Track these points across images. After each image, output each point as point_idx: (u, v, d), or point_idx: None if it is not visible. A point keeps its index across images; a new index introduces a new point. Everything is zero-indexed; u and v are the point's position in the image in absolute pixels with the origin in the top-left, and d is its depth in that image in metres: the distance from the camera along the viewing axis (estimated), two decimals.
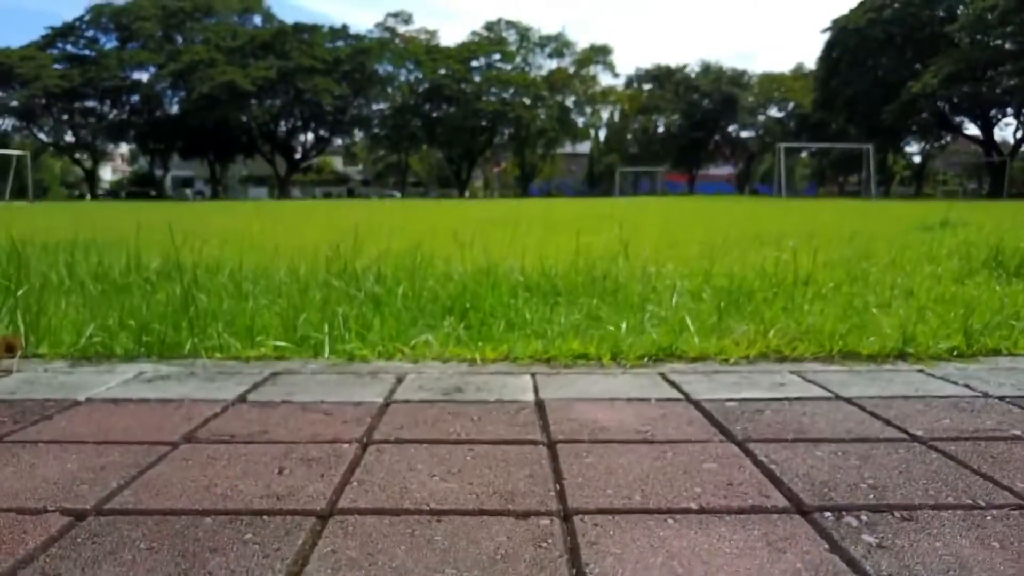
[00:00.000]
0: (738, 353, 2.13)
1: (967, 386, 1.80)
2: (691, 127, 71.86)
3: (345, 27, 67.17)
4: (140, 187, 73.06)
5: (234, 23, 69.60)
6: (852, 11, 54.82)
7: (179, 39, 68.32)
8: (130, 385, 1.83)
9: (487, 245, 6.63)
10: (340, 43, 66.71)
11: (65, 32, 67.31)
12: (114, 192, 76.95)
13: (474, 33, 70.99)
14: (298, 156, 74.34)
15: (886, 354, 2.14)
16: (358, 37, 67.46)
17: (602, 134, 77.57)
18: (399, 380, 1.89)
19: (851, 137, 56.28)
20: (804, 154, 73.16)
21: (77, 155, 72.32)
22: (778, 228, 8.39)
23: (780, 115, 73.18)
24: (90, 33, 67.84)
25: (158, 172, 75.56)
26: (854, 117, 56.70)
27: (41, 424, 1.50)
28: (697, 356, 2.13)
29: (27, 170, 42.97)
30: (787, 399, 1.68)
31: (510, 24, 71.00)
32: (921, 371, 1.98)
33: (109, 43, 67.88)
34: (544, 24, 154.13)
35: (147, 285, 3.74)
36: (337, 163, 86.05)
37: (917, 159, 72.15)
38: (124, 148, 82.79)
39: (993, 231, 7.11)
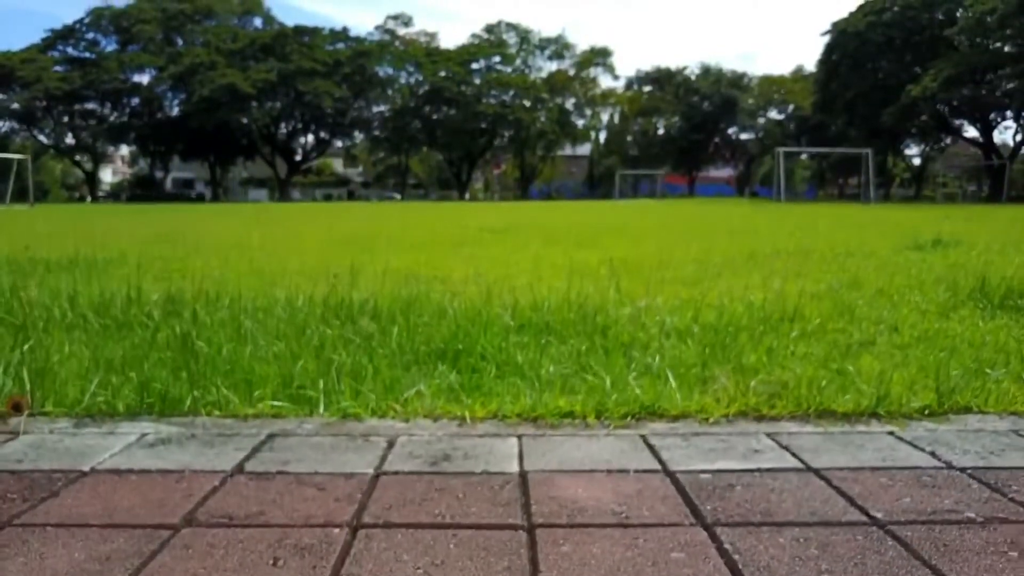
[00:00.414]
0: (718, 412, 2.22)
1: (933, 454, 1.88)
2: (691, 129, 72.00)
3: (345, 29, 67.50)
4: (141, 189, 73.15)
5: (234, 25, 69.74)
6: (852, 14, 54.92)
7: (179, 41, 68.47)
8: (133, 451, 1.91)
9: (482, 265, 6.71)
10: (340, 45, 66.87)
11: (65, 35, 67.47)
12: (115, 194, 77.03)
13: (474, 35, 71.27)
14: (298, 158, 74.48)
15: (860, 412, 2.22)
16: (358, 39, 67.62)
17: (602, 136, 77.65)
18: (390, 444, 1.97)
19: (851, 139, 56.40)
20: (804, 156, 73.23)
21: (77, 157, 72.45)
22: (773, 245, 8.46)
23: (780, 117, 73.32)
24: (90, 35, 68.02)
25: (158, 174, 75.73)
26: (854, 120, 56.79)
27: (49, 502, 1.58)
28: (679, 414, 2.22)
29: (28, 172, 43.08)
30: (759, 471, 1.76)
31: (510, 26, 71.19)
32: (892, 433, 2.06)
33: (109, 46, 68.10)
34: (544, 26, 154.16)
35: (148, 321, 3.80)
36: (337, 165, 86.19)
37: (917, 161, 72.27)
38: (124, 150, 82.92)
39: (984, 250, 7.20)
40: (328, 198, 75.21)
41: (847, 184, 74.68)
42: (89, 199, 71.25)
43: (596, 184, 76.73)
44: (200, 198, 72.89)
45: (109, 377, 2.52)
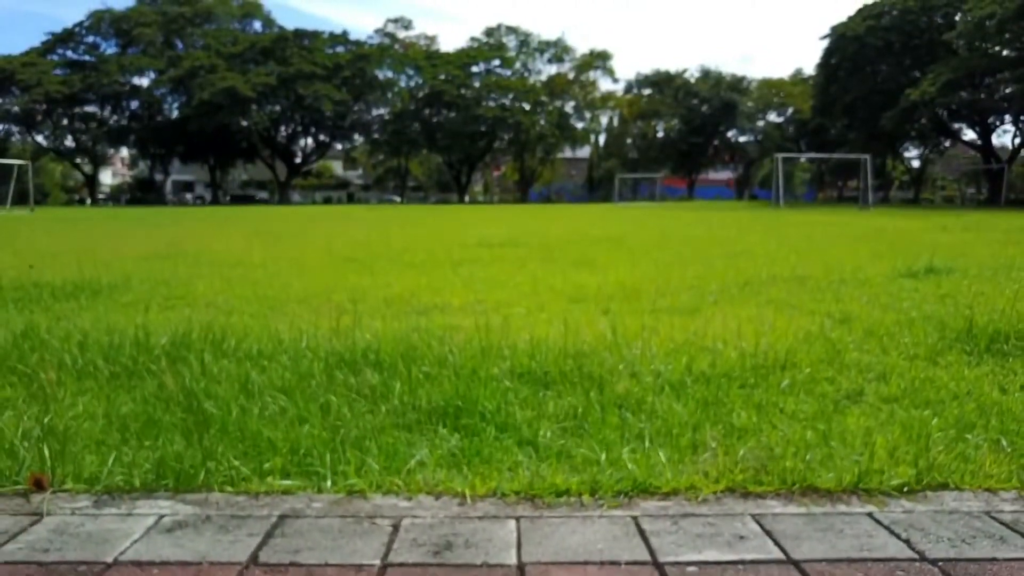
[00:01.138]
0: (707, 489, 2.33)
1: (908, 542, 1.99)
2: (690, 132, 72.21)
3: (345, 33, 67.72)
4: (141, 192, 73.29)
5: (234, 29, 69.87)
6: (851, 18, 55.13)
7: (180, 45, 68.62)
8: (152, 538, 2.02)
9: (481, 289, 6.80)
10: (340, 49, 66.98)
11: (65, 38, 67.68)
12: (114, 197, 77.11)
13: (474, 39, 71.49)
14: (298, 161, 74.62)
15: (842, 489, 2.33)
16: (358, 43, 67.77)
17: (601, 139, 77.80)
18: (395, 528, 2.09)
19: (850, 142, 56.57)
20: (803, 159, 73.36)
21: (77, 160, 72.57)
22: (769, 268, 8.56)
23: (779, 120, 73.49)
24: (90, 39, 68.27)
25: (158, 177, 75.87)
26: (853, 123, 56.98)
27: None
28: (670, 491, 2.33)
29: (28, 176, 43.23)
30: (743, 563, 1.87)
31: (510, 30, 71.37)
32: (871, 515, 2.17)
33: (109, 49, 68.40)
34: (544, 29, 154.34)
35: (155, 367, 3.90)
36: (337, 167, 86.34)
37: (916, 163, 72.46)
38: (124, 152, 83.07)
39: (976, 277, 7.30)
40: (328, 201, 75.37)
41: (846, 186, 74.90)
42: (89, 201, 71.43)
43: (596, 187, 76.91)
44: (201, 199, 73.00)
45: (125, 449, 2.62)
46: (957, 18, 51.02)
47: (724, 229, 17.74)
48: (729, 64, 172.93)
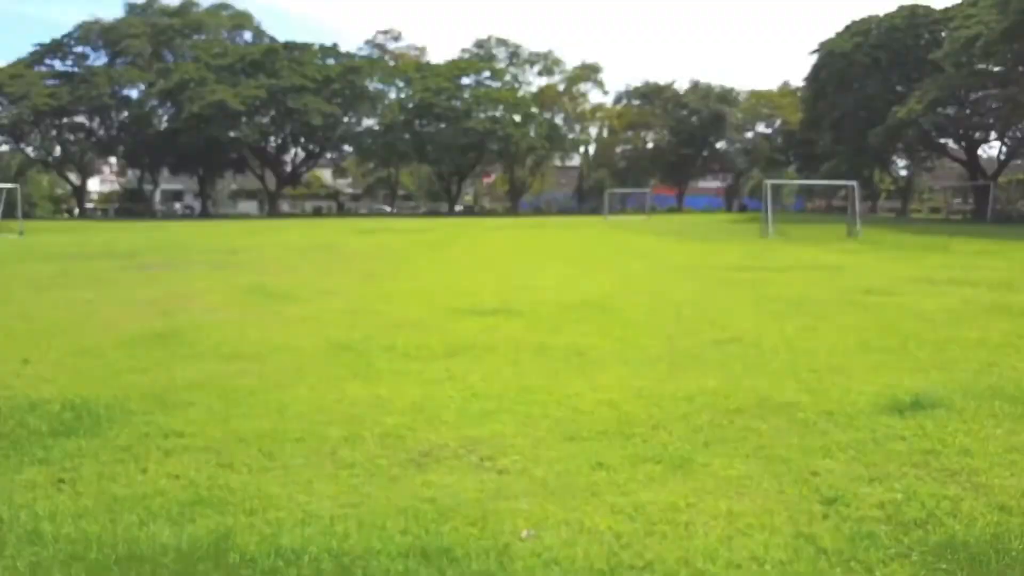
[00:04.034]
0: None
1: None
2: (679, 143, 72.61)
3: (335, 45, 67.68)
4: (130, 202, 73.06)
5: (224, 39, 69.74)
6: (839, 35, 55.60)
7: (169, 56, 68.43)
8: None
9: (475, 411, 6.85)
10: (330, 61, 66.94)
11: (53, 48, 67.43)
12: (103, 209, 76.83)
13: (464, 50, 71.49)
14: (288, 171, 74.56)
15: None
16: (348, 55, 67.73)
17: (591, 149, 78.15)
18: None
19: (838, 155, 57.00)
20: (792, 168, 73.87)
21: (65, 171, 72.33)
22: (760, 384, 8.65)
23: (768, 131, 73.95)
24: (79, 50, 68.00)
25: (147, 187, 75.63)
26: (840, 137, 57.47)
27: None
28: None
29: (17, 197, 43.11)
30: None
31: (500, 42, 71.56)
32: None
33: (99, 60, 68.14)
34: (534, 41, 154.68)
35: None
36: (327, 176, 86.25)
37: (904, 172, 73.09)
38: (113, 159, 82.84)
39: (961, 413, 7.40)
40: (318, 211, 75.28)
41: (835, 196, 75.44)
42: (77, 211, 71.11)
43: (585, 197, 77.17)
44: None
45: None
46: (943, 34, 51.47)
47: (716, 286, 17.98)
48: (723, 71, 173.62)
